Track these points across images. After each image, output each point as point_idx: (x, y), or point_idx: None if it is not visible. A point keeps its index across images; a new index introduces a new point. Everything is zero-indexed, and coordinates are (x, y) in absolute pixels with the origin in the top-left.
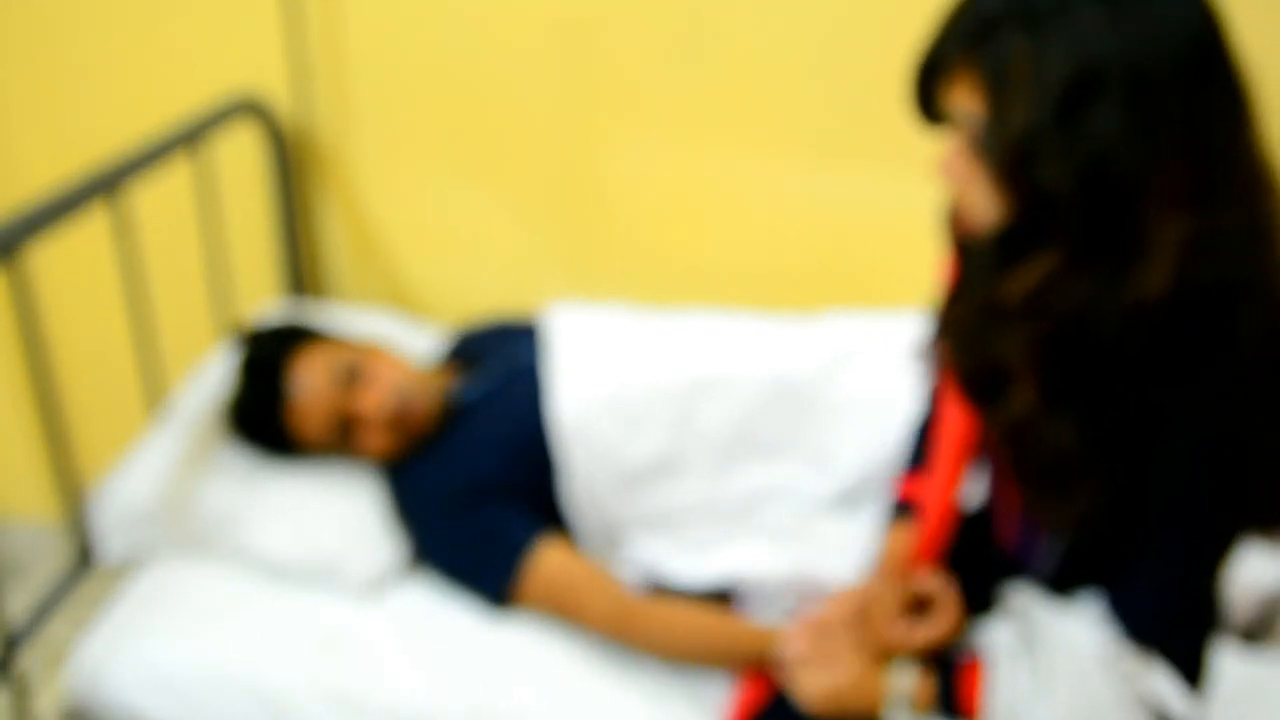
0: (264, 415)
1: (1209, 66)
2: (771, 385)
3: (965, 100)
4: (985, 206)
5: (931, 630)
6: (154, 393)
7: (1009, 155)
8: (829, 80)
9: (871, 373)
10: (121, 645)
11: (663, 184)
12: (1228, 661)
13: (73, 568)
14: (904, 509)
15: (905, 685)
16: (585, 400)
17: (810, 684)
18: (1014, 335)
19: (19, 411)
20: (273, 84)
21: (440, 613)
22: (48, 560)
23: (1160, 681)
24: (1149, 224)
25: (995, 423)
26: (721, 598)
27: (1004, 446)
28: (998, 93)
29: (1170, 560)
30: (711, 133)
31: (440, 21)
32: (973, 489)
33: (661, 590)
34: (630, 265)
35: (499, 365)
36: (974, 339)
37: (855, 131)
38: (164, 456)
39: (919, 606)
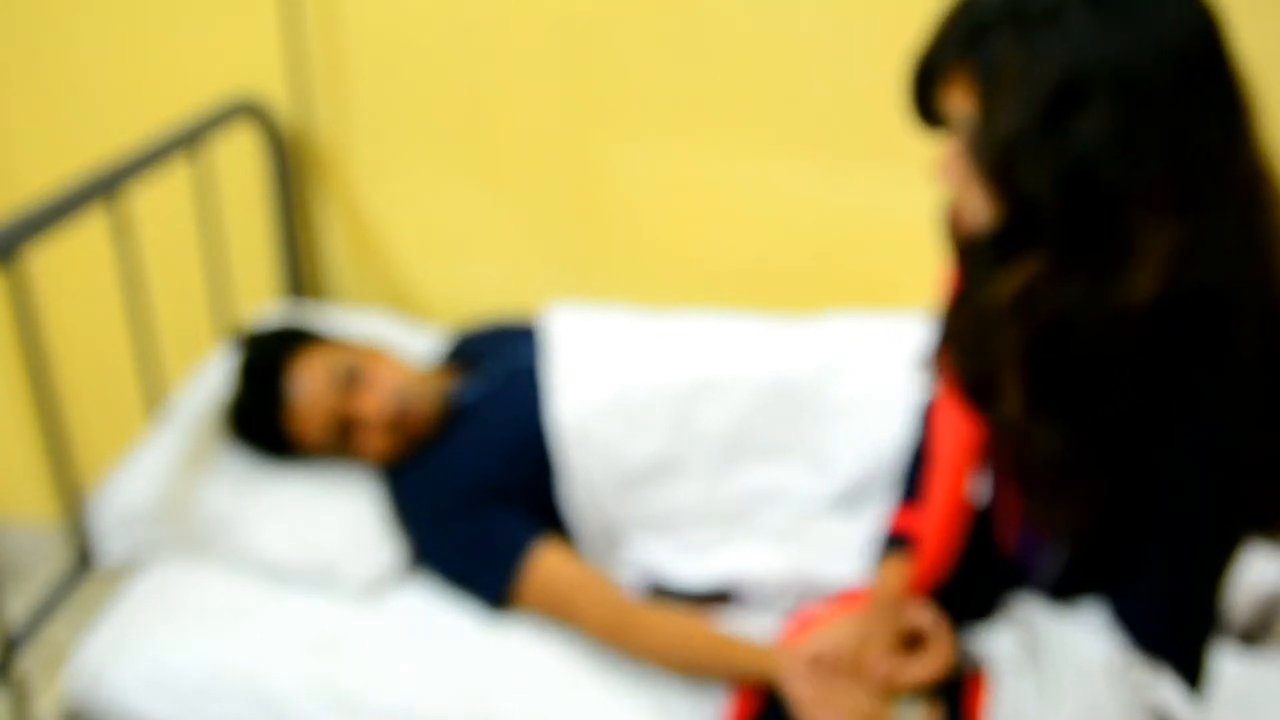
0: (263, 417)
1: (1201, 74)
2: (771, 386)
3: (960, 103)
4: (978, 208)
5: (923, 669)
6: (153, 395)
7: (995, 158)
8: (829, 81)
9: (871, 374)
10: (121, 647)
11: (662, 185)
12: (1226, 664)
13: (72, 570)
14: (897, 542)
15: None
16: (585, 402)
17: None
18: (1003, 338)
19: (18, 413)
20: (272, 86)
21: (439, 615)
22: (47, 562)
23: (1168, 690)
24: (1135, 229)
25: (993, 427)
26: (721, 599)
27: (1001, 450)
28: (988, 96)
29: (1177, 566)
30: (711, 133)
31: (439, 22)
32: (978, 491)
33: (661, 591)
34: (629, 266)
35: (498, 367)
36: (972, 343)
37: (855, 132)
38: (163, 458)
39: (912, 642)
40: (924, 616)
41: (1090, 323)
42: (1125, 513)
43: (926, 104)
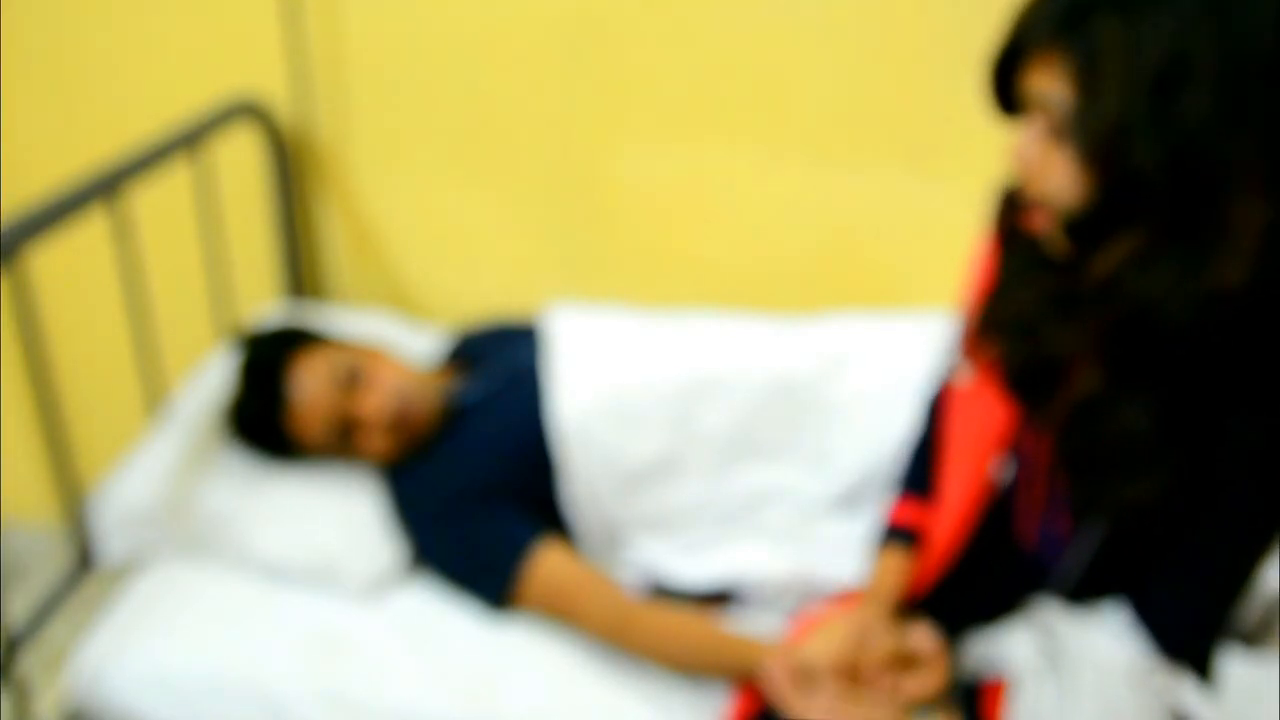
0: (264, 418)
1: None
2: (772, 386)
3: (1050, 84)
4: (1065, 190)
5: (919, 687)
6: (154, 395)
7: (1102, 137)
8: (830, 81)
9: (871, 373)
10: (122, 647)
11: (662, 185)
12: (1232, 665)
13: (73, 570)
14: (897, 534)
15: None
16: (585, 402)
17: None
18: (1082, 320)
19: (19, 414)
20: (272, 86)
21: (441, 614)
22: (48, 563)
23: (1190, 694)
24: (1232, 210)
25: (1049, 412)
26: (721, 599)
27: (1060, 434)
28: (1089, 76)
29: (1213, 573)
30: (712, 133)
31: (439, 23)
32: (1000, 479)
33: (661, 591)
34: (630, 266)
35: (499, 367)
36: (1033, 328)
37: (857, 133)
38: (164, 459)
39: (909, 659)
40: (924, 640)
41: (1180, 304)
42: (1182, 495)
43: (1006, 87)
